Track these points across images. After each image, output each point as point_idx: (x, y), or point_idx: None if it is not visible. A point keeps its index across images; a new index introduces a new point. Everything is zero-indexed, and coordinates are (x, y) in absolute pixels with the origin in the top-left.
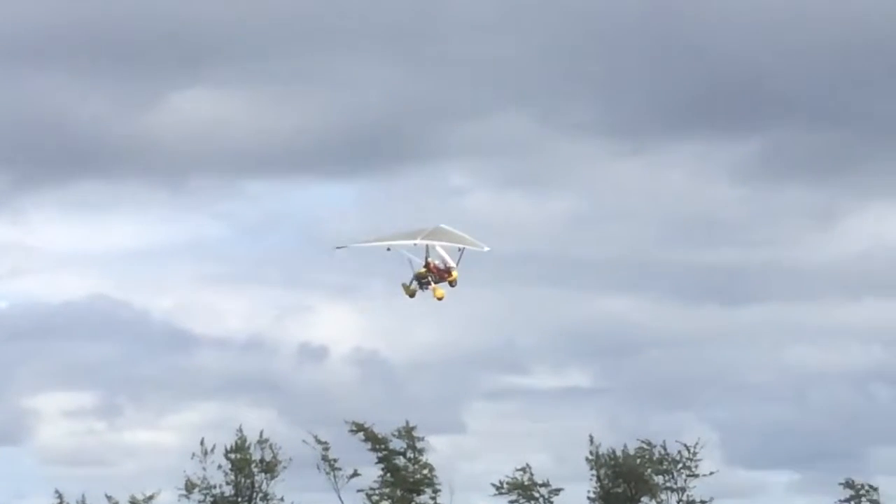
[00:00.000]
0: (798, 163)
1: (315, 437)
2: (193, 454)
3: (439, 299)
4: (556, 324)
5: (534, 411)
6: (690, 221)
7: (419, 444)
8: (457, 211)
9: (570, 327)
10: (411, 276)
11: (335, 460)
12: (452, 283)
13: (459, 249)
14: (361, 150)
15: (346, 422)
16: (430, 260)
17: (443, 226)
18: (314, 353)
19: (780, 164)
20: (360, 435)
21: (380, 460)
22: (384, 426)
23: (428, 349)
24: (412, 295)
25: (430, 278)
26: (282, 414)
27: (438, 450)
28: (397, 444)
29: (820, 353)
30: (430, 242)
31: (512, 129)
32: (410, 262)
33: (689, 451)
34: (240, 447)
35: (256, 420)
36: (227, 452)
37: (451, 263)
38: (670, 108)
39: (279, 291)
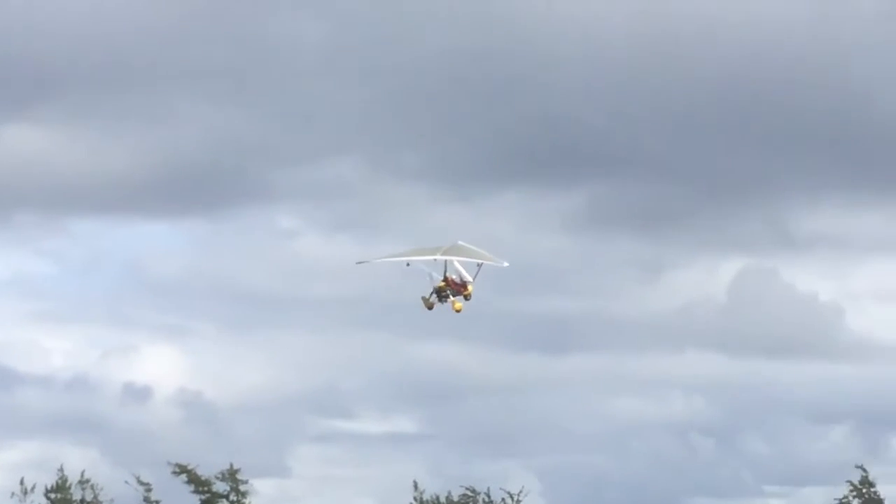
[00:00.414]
0: (624, 214)
1: (137, 478)
2: (13, 493)
3: (458, 311)
4: (383, 368)
5: (359, 456)
6: (516, 269)
7: (243, 488)
8: (287, 253)
9: (398, 372)
10: (431, 290)
11: (157, 502)
12: (467, 297)
13: (478, 265)
14: (191, 189)
15: (170, 463)
16: (448, 275)
17: (461, 243)
18: (138, 393)
19: (606, 215)
20: (184, 476)
21: (203, 503)
22: (208, 468)
23: (254, 391)
24: (430, 308)
25: (448, 292)
26: (104, 454)
27: (262, 493)
28: (221, 486)
29: (642, 404)
30: (449, 258)
31: (341, 172)
32: (430, 276)
33: (512, 498)
34: (60, 487)
35: (78, 460)
36: (47, 492)
37: (468, 278)
38: (498, 155)
39: (103, 330)
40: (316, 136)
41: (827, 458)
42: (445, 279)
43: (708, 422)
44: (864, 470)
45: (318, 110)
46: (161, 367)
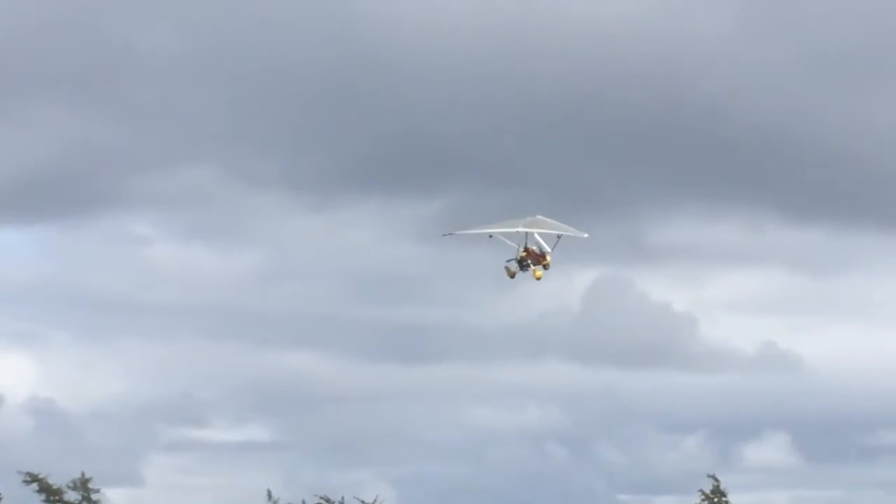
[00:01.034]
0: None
1: None
2: None
3: (538, 279)
4: (236, 377)
5: (212, 465)
6: (372, 278)
7: (95, 497)
8: (140, 261)
9: (251, 381)
10: (514, 259)
11: None
12: (546, 267)
13: (558, 236)
14: (43, 196)
15: (20, 472)
16: (529, 246)
17: (539, 216)
18: None
19: (462, 224)
20: (35, 486)
21: None
22: (59, 477)
23: (106, 399)
24: (513, 276)
25: (529, 262)
26: None
27: (115, 502)
28: (72, 495)
29: (498, 413)
30: (530, 230)
31: (197, 180)
32: (517, 248)
33: None
34: None
35: None
36: None
37: (547, 249)
38: (355, 164)
39: None
40: (172, 142)
41: (679, 467)
42: (527, 250)
43: (562, 431)
44: (716, 479)
45: (175, 117)
46: (12, 374)
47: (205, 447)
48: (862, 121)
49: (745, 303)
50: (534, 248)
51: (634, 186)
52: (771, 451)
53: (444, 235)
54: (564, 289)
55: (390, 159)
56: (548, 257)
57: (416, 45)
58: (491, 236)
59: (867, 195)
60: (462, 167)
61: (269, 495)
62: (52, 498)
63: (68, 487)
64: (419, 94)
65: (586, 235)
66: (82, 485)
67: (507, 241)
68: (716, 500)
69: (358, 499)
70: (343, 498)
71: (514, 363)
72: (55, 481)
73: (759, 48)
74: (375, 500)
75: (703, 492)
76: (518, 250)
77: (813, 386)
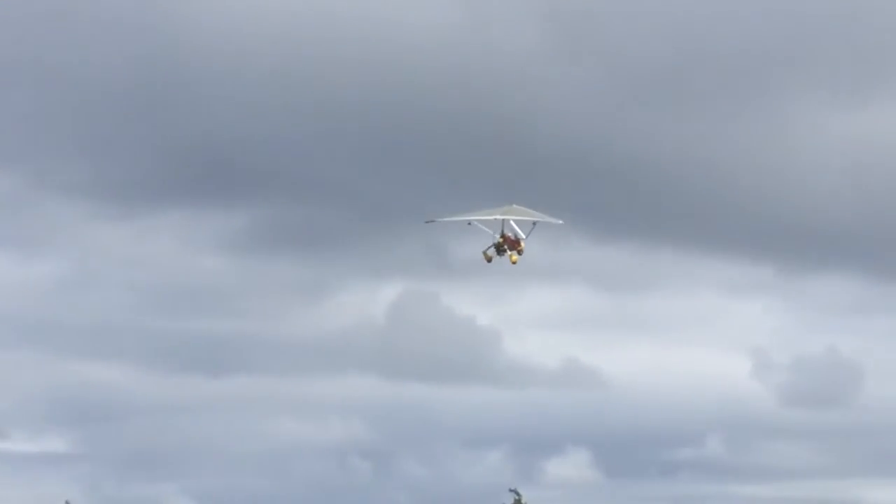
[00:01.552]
0: (286, 236)
1: None
2: None
3: (513, 263)
4: (35, 387)
5: (10, 476)
6: (177, 289)
7: None
8: None
9: (51, 392)
10: (490, 245)
11: None
12: (520, 252)
13: (533, 223)
14: None
15: None
16: (505, 232)
17: (515, 205)
18: None
19: (268, 236)
20: None
21: None
22: None
23: None
24: (489, 260)
25: (505, 247)
26: None
27: None
28: None
29: (302, 426)
30: (507, 217)
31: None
32: (491, 235)
33: None
34: None
35: None
36: None
37: (522, 235)
38: (161, 174)
39: None
40: None
41: (482, 481)
42: (503, 236)
43: (366, 444)
44: (518, 493)
45: None
46: None
47: (2, 458)
48: (664, 141)
49: (549, 319)
50: (510, 234)
51: (439, 199)
52: (572, 466)
53: (426, 223)
54: (370, 302)
55: (195, 170)
56: (522, 243)
57: (224, 57)
58: (470, 223)
59: (668, 215)
60: (267, 179)
61: None
62: None
63: None
64: (225, 106)
65: (561, 222)
66: None
67: (484, 228)
68: None
69: None
70: None
71: (317, 376)
72: None
73: (565, 65)
74: None
75: None
76: (495, 237)
77: (614, 402)
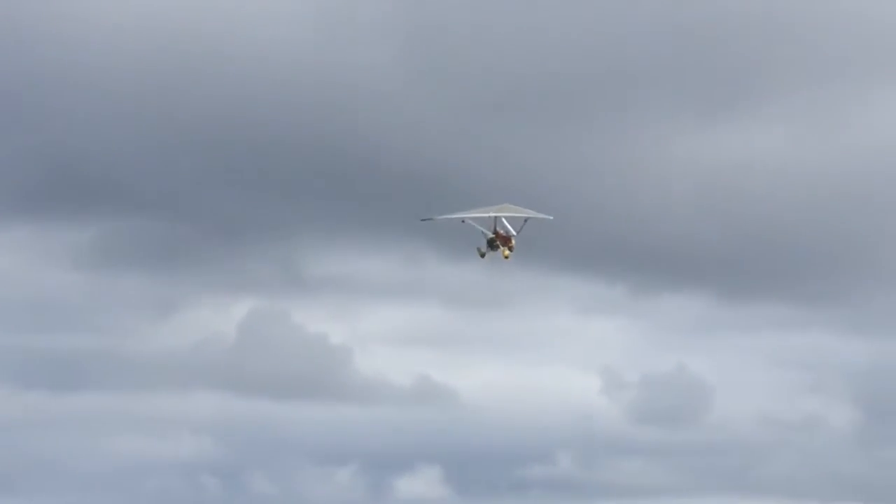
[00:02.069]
0: (135, 251)
1: None
2: None
3: (506, 258)
4: None
5: None
6: (22, 305)
7: None
8: None
9: None
10: (484, 242)
11: None
12: (511, 248)
13: (524, 220)
14: None
15: None
16: (497, 229)
17: (507, 204)
18: None
19: (116, 252)
20: None
21: None
22: None
23: None
24: (482, 256)
25: (498, 243)
26: None
27: None
28: None
29: (151, 443)
30: (499, 215)
31: None
32: (483, 233)
33: None
34: None
35: None
36: None
37: (513, 232)
38: (7, 189)
39: None
40: None
41: (333, 499)
42: (495, 233)
43: (215, 461)
44: None
45: None
46: None
47: None
48: (515, 160)
49: (402, 335)
50: (501, 231)
51: (290, 217)
52: (423, 483)
53: (422, 220)
54: (220, 319)
55: (44, 184)
56: (513, 240)
57: (72, 68)
58: (464, 221)
59: (526, 231)
60: (116, 194)
61: None
62: None
63: None
64: (74, 119)
65: (552, 218)
66: None
67: (477, 225)
68: None
69: None
70: None
71: (166, 393)
72: None
73: (422, 83)
74: None
75: None
76: (487, 234)
77: (466, 419)
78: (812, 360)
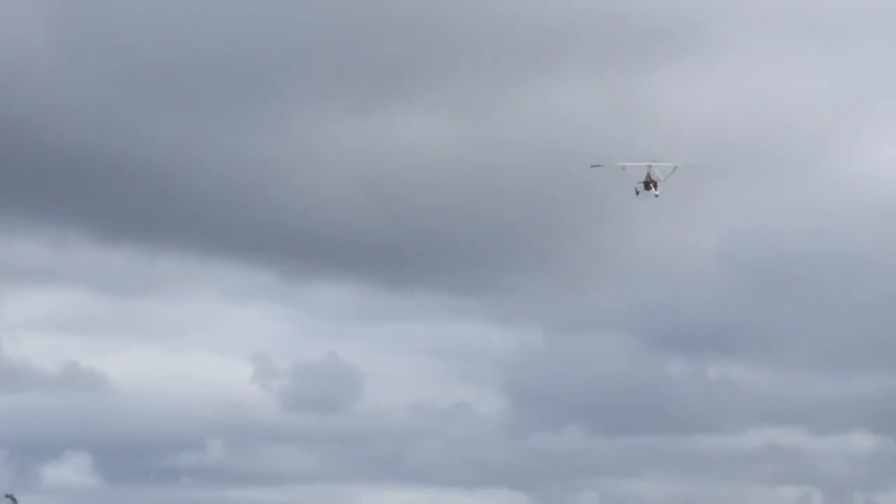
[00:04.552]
0: None
1: None
2: None
3: (656, 196)
4: None
5: None
6: None
7: None
8: None
9: None
10: (641, 182)
11: None
12: (656, 189)
13: (673, 168)
14: None
15: None
16: (651, 175)
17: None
18: None
19: None
20: None
21: None
22: None
23: None
24: (637, 194)
25: (651, 185)
26: None
27: None
28: None
29: None
30: (652, 164)
31: None
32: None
33: None
34: None
35: None
36: None
37: (661, 178)
38: None
39: None
40: None
41: None
42: (648, 177)
43: None
44: (14, 499)
45: None
46: None
47: None
48: (168, 143)
49: (48, 321)
50: (653, 176)
51: None
52: (71, 470)
53: (592, 167)
54: None
55: None
56: (658, 185)
57: None
58: (624, 168)
59: (168, 218)
60: None
61: None
62: None
63: None
64: None
65: (698, 165)
66: None
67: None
68: None
69: None
70: None
71: None
72: None
73: (74, 62)
74: None
75: None
76: (644, 177)
77: (115, 406)
78: (463, 349)
